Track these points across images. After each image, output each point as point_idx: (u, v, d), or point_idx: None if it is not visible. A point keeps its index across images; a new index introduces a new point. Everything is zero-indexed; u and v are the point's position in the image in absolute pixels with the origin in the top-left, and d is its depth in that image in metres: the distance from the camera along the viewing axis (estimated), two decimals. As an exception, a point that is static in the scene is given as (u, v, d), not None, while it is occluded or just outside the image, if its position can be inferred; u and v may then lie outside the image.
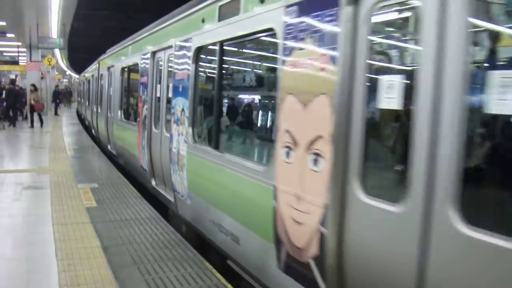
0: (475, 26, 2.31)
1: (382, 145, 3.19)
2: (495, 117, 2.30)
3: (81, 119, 27.79)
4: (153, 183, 7.92)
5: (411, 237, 2.57)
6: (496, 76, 2.24)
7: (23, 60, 29.04)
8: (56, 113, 31.62)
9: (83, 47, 36.22)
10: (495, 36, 2.50)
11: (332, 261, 3.15)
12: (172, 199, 6.79)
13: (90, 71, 21.53)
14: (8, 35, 23.65)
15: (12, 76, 36.14)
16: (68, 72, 63.88)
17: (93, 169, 10.60)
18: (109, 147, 13.18)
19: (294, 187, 3.59)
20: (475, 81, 2.35)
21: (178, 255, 5.19)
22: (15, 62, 27.97)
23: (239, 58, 5.93)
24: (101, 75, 15.38)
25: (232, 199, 4.77)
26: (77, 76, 56.85)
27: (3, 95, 21.67)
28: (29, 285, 4.36)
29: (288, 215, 3.65)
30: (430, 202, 2.46)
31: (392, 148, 3.08)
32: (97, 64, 16.95)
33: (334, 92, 3.15)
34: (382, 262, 2.80)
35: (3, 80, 35.72)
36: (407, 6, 2.81)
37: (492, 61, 2.51)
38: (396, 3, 2.86)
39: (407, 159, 2.61)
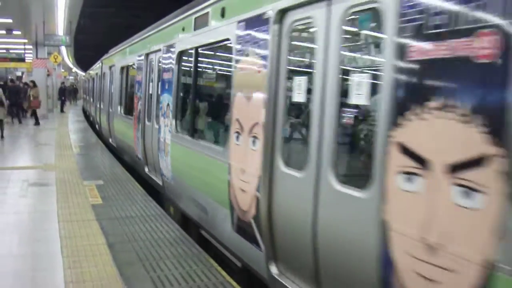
0: (344, 48, 3.43)
1: (295, 129, 4.18)
2: (356, 106, 3.35)
3: (87, 116, 27.86)
4: (146, 170, 8.85)
5: (308, 195, 3.50)
6: (354, 78, 3.23)
7: (29, 57, 29.11)
8: (62, 110, 31.75)
9: (89, 44, 36.30)
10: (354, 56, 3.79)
11: (265, 218, 4.07)
12: (160, 182, 7.64)
13: (94, 70, 22.72)
14: (15, 32, 23.70)
15: (19, 73, 36.33)
16: (74, 69, 64.06)
17: (98, 166, 10.63)
18: (110, 140, 14.08)
19: (241, 163, 4.56)
20: (343, 83, 3.30)
21: (183, 253, 5.19)
22: (21, 59, 28.06)
23: (208, 62, 6.95)
24: (104, 73, 16.41)
25: (202, 177, 5.73)
26: (83, 73, 57.03)
27: (6, 93, 21.70)
28: (34, 282, 4.38)
29: (237, 185, 4.59)
30: (319, 169, 3.40)
31: (300, 132, 4.06)
32: (101, 63, 18.12)
33: (265, 90, 4.09)
34: (293, 216, 3.77)
35: (9, 77, 35.85)
36: (310, 29, 3.82)
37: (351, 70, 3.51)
38: (304, 27, 3.89)
39: (307, 139, 3.57)
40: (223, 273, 4.68)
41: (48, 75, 27.32)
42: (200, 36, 5.96)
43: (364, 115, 3.52)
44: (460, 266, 2.26)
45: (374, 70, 3.22)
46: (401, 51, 2.66)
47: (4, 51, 31.62)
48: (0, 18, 20.22)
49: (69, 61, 48.18)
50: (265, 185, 4.04)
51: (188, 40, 6.48)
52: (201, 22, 5.95)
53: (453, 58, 2.33)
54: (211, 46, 5.89)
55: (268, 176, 4.02)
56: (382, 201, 2.75)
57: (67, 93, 37.21)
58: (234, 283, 4.43)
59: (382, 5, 2.82)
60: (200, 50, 6.22)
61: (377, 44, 3.27)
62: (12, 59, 27.97)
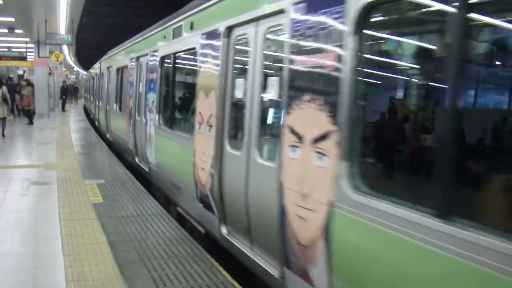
0: (265, 57, 4.51)
1: (237, 119, 5.04)
2: (270, 101, 4.41)
3: (88, 115, 27.89)
4: (137, 159, 10.01)
5: (243, 167, 4.64)
6: (268, 80, 4.39)
7: (31, 56, 29.12)
8: (63, 109, 31.77)
9: (91, 43, 36.29)
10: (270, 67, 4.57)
11: (216, 189, 5.20)
12: (147, 170, 8.82)
13: (94, 70, 24.61)
14: (17, 31, 23.68)
15: (20, 72, 36.34)
16: (76, 68, 64.09)
17: (99, 165, 10.63)
18: (108, 135, 15.29)
19: (202, 147, 5.66)
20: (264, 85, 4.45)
21: (184, 252, 5.19)
22: (23, 58, 28.06)
23: (182, 65, 7.81)
24: (102, 73, 17.99)
25: (177, 161, 6.97)
26: (84, 72, 57.08)
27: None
28: (36, 280, 4.37)
29: (199, 165, 5.74)
30: (249, 148, 4.56)
31: (240, 121, 4.88)
32: (100, 64, 19.92)
33: (217, 88, 5.26)
34: (234, 185, 4.90)
35: (11, 75, 35.85)
36: (246, 41, 4.83)
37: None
38: (243, 40, 4.91)
39: (243, 127, 4.69)
40: (224, 272, 4.67)
41: (49, 74, 27.32)
42: (177, 44, 7.23)
43: (274, 108, 4.41)
44: (317, 207, 3.35)
45: (280, 74, 4.08)
46: (291, 62, 3.81)
47: (6, 49, 31.63)
48: (2, 17, 20.21)
49: (70, 60, 48.17)
50: (216, 163, 5.19)
51: (168, 47, 7.72)
52: (177, 32, 7.20)
53: (314, 68, 3.50)
54: (183, 52, 7.11)
55: (218, 156, 5.18)
56: (280, 168, 3.86)
57: (68, 92, 37.13)
58: (235, 283, 4.43)
59: (282, 29, 4.07)
60: (177, 56, 7.47)
61: (281, 56, 4.21)
62: (14, 58, 27.96)
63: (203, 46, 5.82)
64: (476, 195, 2.54)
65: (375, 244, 2.85)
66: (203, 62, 5.83)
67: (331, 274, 3.21)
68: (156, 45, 8.48)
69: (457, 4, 2.39)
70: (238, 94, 4.98)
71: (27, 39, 26.54)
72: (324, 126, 3.28)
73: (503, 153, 2.51)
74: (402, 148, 3.17)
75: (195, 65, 6.15)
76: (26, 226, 6.01)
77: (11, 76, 31.53)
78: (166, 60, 7.98)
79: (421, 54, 3.08)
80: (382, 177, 3.29)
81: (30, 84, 23.09)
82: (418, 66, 3.18)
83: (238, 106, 5.00)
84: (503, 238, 2.09)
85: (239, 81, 4.97)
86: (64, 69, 43.71)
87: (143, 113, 9.21)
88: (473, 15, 2.41)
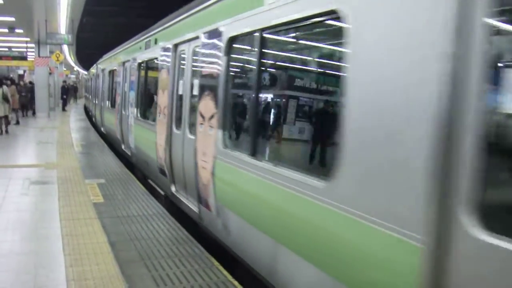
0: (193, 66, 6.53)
1: (181, 110, 6.93)
2: (194, 95, 6.35)
3: (88, 114, 27.90)
4: (123, 147, 12.28)
5: (180, 142, 6.76)
6: (193, 81, 6.44)
7: (31, 56, 29.13)
8: (63, 109, 31.79)
9: (92, 43, 36.30)
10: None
11: (167, 159, 7.31)
12: (130, 154, 11.15)
13: (92, 71, 27.45)
14: (17, 30, 23.70)
15: (20, 72, 36.35)
16: (76, 68, 64.11)
17: (100, 164, 10.64)
18: (102, 129, 17.68)
19: (161, 129, 7.74)
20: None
21: (185, 252, 5.19)
22: (23, 57, 28.08)
23: (151, 70, 9.77)
24: (98, 75, 20.49)
25: (147, 143, 8.85)
26: (85, 72, 57.10)
27: None
28: (36, 280, 4.37)
29: (158, 143, 7.82)
30: (185, 129, 6.61)
31: (180, 110, 6.93)
32: (96, 66, 22.70)
33: (169, 87, 7.36)
34: (176, 154, 7.02)
35: (11, 75, 35.82)
36: (184, 54, 6.95)
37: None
38: (183, 54, 7.00)
39: (182, 114, 6.81)
40: (225, 272, 4.67)
41: (50, 73, 27.33)
42: (147, 54, 9.55)
43: (195, 100, 6.24)
44: (209, 159, 5.38)
45: (203, 78, 5.88)
46: (201, 69, 5.92)
47: (7, 49, 31.65)
48: (3, 17, 20.23)
49: (71, 60, 48.21)
50: (167, 140, 7.33)
51: (142, 55, 10.05)
52: (148, 45, 9.50)
53: (209, 73, 5.64)
54: (151, 60, 9.30)
55: (169, 135, 7.31)
56: (196, 138, 5.88)
57: (67, 92, 36.97)
58: (235, 282, 4.43)
59: (198, 47, 6.17)
60: (147, 63, 9.75)
61: (196, 65, 6.33)
62: (14, 58, 27.97)
63: (161, 57, 8.07)
64: (267, 144, 4.84)
65: (232, 176, 4.89)
66: (161, 68, 8.02)
67: (216, 200, 5.24)
68: (135, 53, 10.86)
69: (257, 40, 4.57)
70: (180, 91, 7.12)
71: (28, 39, 26.58)
72: (212, 110, 5.42)
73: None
74: (242, 122, 5.43)
75: (157, 70, 8.37)
76: (26, 225, 6.01)
77: (11, 76, 31.49)
78: (141, 65, 10.26)
79: (248, 68, 5.26)
80: (235, 138, 5.39)
81: (14, 83, 22.91)
82: (246, 75, 5.51)
83: (179, 100, 7.09)
84: (281, 167, 3.95)
85: (180, 82, 7.12)
86: (65, 69, 43.70)
87: (127, 108, 11.43)
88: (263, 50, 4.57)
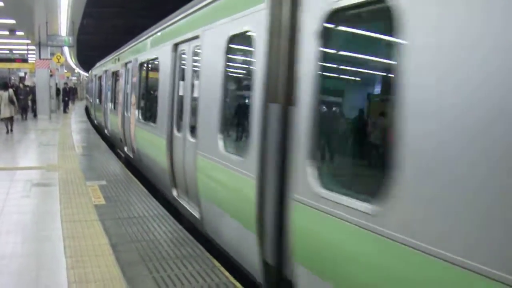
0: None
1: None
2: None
3: (89, 117, 27.91)
4: (106, 131, 15.36)
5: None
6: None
7: (32, 58, 29.15)
8: (65, 111, 31.80)
9: (92, 45, 36.34)
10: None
11: (123, 138, 11.75)
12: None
13: (88, 76, 32.09)
14: (18, 33, 23.73)
15: (22, 74, 36.38)
16: (77, 70, 64.17)
17: (101, 166, 10.64)
18: (95, 121, 20.86)
19: (132, 118, 10.39)
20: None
21: (186, 253, 5.19)
22: (24, 60, 28.10)
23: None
24: (91, 79, 24.49)
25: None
26: (85, 74, 57.16)
27: None
28: (38, 282, 4.37)
29: (128, 128, 11.04)
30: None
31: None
32: (91, 72, 27.13)
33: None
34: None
35: (12, 78, 35.86)
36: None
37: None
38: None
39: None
40: (226, 273, 4.67)
41: (51, 75, 27.36)
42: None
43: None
44: (132, 124, 10.50)
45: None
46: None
47: (7, 51, 31.68)
48: (3, 19, 20.24)
49: (71, 62, 48.24)
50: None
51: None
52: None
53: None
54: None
55: (133, 123, 8.41)
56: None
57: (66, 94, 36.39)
58: (237, 284, 4.43)
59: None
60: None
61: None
62: (15, 60, 28.00)
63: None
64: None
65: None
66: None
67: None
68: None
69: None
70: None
71: (28, 41, 26.58)
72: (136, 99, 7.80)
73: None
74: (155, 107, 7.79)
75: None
76: (28, 227, 6.01)
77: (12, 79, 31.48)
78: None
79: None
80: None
81: (10, 87, 22.70)
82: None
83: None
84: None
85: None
86: (66, 71, 43.70)
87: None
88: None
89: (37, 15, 19.30)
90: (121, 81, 13.01)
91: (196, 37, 6.13)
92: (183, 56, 6.98)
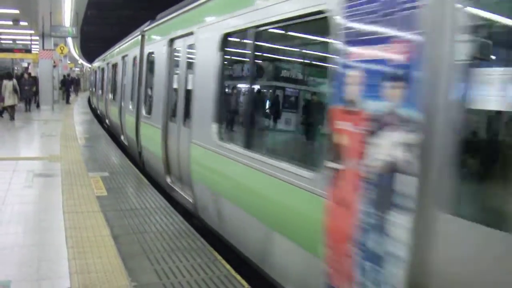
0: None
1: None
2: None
3: (93, 109, 27.92)
4: (122, 137, 13.93)
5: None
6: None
7: (35, 49, 29.14)
8: (67, 102, 31.80)
9: (96, 36, 36.29)
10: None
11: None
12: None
13: (90, 68, 34.70)
14: (21, 23, 23.71)
15: (25, 64, 36.32)
16: (80, 61, 64.11)
17: (104, 158, 10.65)
18: (93, 106, 23.55)
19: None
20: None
21: (187, 245, 5.19)
22: (28, 50, 28.08)
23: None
24: (95, 71, 26.70)
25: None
26: (89, 65, 57.13)
27: None
28: (39, 272, 4.38)
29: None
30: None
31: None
32: (92, 65, 29.74)
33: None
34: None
35: (16, 68, 35.78)
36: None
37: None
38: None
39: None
40: (228, 266, 4.67)
41: (54, 66, 27.35)
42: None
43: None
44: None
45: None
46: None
47: (11, 42, 31.64)
48: (7, 9, 20.23)
49: (75, 53, 48.19)
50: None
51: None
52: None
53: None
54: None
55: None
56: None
57: (68, 84, 35.74)
58: (238, 276, 4.43)
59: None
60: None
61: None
62: (19, 50, 27.96)
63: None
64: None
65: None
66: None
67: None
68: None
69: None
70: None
71: (32, 32, 26.57)
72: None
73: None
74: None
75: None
76: (30, 218, 6.02)
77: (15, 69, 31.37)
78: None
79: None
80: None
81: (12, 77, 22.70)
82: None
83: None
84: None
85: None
86: (69, 62, 43.64)
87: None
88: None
89: (41, 5, 19.27)
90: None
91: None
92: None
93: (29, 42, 29.21)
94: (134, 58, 11.34)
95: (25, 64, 36.51)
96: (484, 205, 2.46)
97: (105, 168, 9.33)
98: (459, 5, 2.29)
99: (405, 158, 2.50)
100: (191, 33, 6.62)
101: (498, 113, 2.40)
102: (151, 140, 8.82)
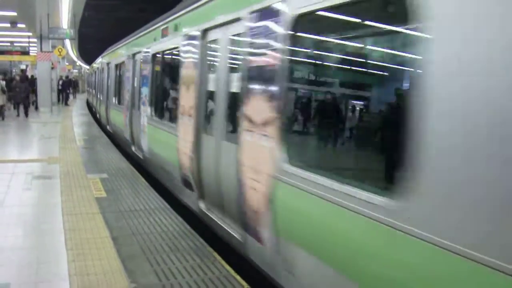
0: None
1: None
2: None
3: (91, 110, 27.90)
4: (108, 127, 15.73)
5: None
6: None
7: (33, 51, 29.09)
8: (66, 103, 31.77)
9: (94, 37, 36.25)
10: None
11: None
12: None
13: (88, 70, 35.97)
14: (19, 25, 23.68)
15: (23, 67, 36.29)
16: (78, 62, 64.06)
17: (102, 159, 10.63)
18: (88, 101, 24.02)
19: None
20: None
21: (187, 246, 5.18)
22: (25, 52, 28.06)
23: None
24: (91, 74, 27.95)
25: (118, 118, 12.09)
26: (87, 66, 57.09)
27: None
28: (39, 274, 4.37)
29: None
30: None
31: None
32: (89, 67, 31.11)
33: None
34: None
35: (14, 70, 35.77)
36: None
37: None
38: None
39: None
40: (227, 267, 4.66)
41: (52, 68, 27.32)
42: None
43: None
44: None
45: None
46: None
47: (9, 44, 31.61)
48: (5, 11, 20.20)
49: (73, 54, 48.15)
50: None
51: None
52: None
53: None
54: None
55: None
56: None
57: (64, 86, 35.19)
58: (238, 277, 4.42)
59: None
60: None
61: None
62: (17, 52, 27.96)
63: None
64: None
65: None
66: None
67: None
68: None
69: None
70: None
71: (30, 34, 26.54)
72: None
73: None
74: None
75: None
76: (29, 220, 6.01)
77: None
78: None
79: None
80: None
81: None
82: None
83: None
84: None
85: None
86: (67, 64, 43.60)
87: (101, 92, 15.43)
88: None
89: (38, 7, 19.26)
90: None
91: None
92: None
93: (27, 44, 29.19)
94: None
95: (23, 67, 36.48)
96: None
97: (104, 170, 9.32)
98: None
99: None
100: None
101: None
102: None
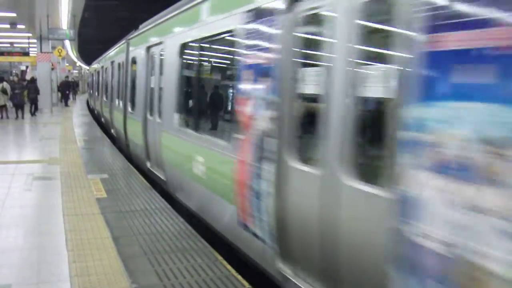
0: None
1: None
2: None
3: (92, 112, 27.90)
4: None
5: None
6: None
7: (33, 51, 29.09)
8: (66, 104, 31.77)
9: (94, 38, 36.20)
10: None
11: (97, 112, 17.38)
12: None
13: (88, 71, 36.86)
14: (19, 26, 23.67)
15: (23, 67, 36.31)
16: (78, 63, 64.04)
17: (103, 160, 10.63)
18: (102, 120, 20.96)
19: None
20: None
21: (188, 246, 5.17)
22: (25, 53, 28.06)
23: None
24: (92, 74, 28.57)
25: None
26: (87, 67, 57.13)
27: None
28: (40, 275, 4.37)
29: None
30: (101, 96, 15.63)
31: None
32: (90, 68, 32.30)
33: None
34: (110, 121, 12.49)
35: (14, 71, 35.75)
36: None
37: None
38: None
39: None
40: (228, 266, 4.65)
41: (52, 69, 27.32)
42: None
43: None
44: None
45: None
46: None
47: (9, 45, 31.62)
48: (5, 12, 20.19)
49: (73, 55, 48.13)
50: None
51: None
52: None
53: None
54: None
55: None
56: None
57: (64, 87, 34.85)
58: (239, 277, 4.41)
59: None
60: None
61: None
62: (17, 53, 27.96)
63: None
64: None
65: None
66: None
67: None
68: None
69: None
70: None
71: (30, 34, 26.55)
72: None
73: None
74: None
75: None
76: (29, 221, 6.01)
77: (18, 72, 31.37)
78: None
79: None
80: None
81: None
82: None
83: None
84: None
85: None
86: (67, 64, 43.60)
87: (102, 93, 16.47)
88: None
89: (38, 8, 19.25)
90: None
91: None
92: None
93: (27, 45, 29.19)
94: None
95: (23, 67, 36.49)
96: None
97: (104, 170, 9.31)
98: None
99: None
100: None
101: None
102: None
